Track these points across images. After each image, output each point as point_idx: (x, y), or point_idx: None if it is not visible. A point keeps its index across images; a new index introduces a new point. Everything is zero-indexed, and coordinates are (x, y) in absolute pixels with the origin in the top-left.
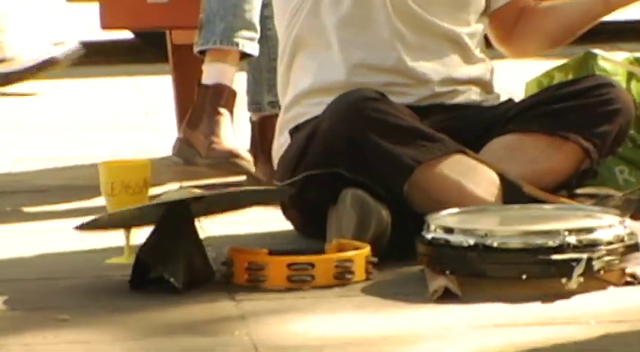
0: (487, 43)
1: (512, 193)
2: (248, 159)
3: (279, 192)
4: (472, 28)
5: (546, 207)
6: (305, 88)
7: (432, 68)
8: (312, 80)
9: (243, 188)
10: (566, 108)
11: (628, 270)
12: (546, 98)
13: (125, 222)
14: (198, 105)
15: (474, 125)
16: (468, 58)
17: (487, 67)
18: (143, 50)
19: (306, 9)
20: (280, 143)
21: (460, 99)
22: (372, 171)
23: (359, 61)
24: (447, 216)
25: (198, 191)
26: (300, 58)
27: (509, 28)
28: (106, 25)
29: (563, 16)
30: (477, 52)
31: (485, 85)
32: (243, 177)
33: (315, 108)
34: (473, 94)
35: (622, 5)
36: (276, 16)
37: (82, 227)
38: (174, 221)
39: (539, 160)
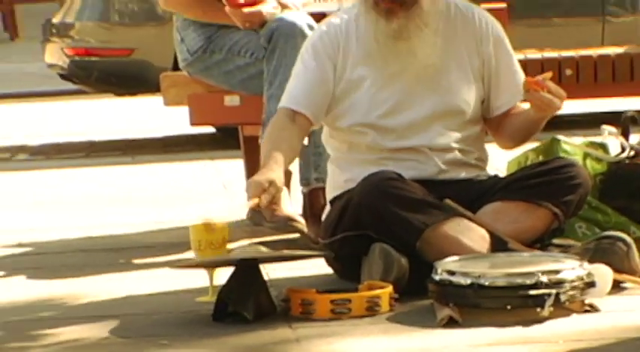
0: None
1: (498, 246)
2: (302, 222)
3: (320, 254)
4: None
5: (524, 254)
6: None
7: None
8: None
9: (295, 252)
10: (540, 183)
11: (587, 301)
12: (525, 175)
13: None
14: None
15: (470, 195)
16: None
17: (484, 162)
18: (222, 140)
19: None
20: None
21: (461, 175)
22: (392, 233)
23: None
24: (450, 262)
25: (264, 249)
26: (346, 164)
27: (495, 128)
28: (194, 123)
29: (518, 121)
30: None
31: (481, 169)
32: (297, 235)
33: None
34: (470, 171)
35: (542, 109)
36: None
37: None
38: (245, 270)
39: (519, 221)
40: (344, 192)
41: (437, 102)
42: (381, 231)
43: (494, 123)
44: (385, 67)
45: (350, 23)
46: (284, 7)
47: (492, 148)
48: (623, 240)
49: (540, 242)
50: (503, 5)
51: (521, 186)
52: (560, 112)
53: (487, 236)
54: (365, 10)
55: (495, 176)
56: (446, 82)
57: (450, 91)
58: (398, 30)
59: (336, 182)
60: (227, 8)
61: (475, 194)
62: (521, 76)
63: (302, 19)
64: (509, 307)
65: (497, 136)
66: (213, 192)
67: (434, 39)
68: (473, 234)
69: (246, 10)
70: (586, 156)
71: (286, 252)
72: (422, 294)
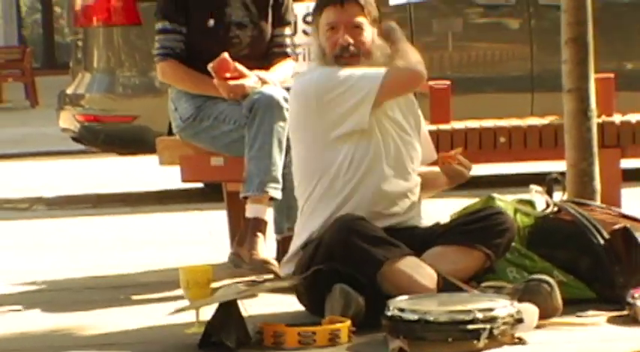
0: None
1: (444, 283)
2: (275, 265)
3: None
4: (415, 182)
5: (464, 294)
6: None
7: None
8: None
9: (265, 286)
10: (474, 229)
11: (516, 335)
12: (460, 222)
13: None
14: (244, 231)
15: (418, 238)
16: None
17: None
18: (209, 195)
19: (321, 191)
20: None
21: (409, 224)
22: (357, 265)
23: None
24: (401, 301)
25: (242, 287)
26: (314, 214)
27: None
28: (185, 179)
29: (426, 178)
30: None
31: (419, 214)
32: (271, 276)
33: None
34: (414, 219)
35: (454, 179)
36: (299, 186)
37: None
38: (227, 307)
39: (458, 262)
40: (314, 239)
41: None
42: (347, 263)
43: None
44: None
45: None
46: (264, 82)
47: (436, 202)
48: (548, 283)
49: (475, 278)
50: (447, 83)
51: (458, 231)
52: (496, 172)
53: (435, 274)
54: (328, 66)
55: (437, 223)
56: (405, 132)
57: (410, 139)
58: None
59: (306, 225)
60: (215, 80)
61: (422, 239)
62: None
63: (279, 93)
64: (450, 339)
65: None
66: (200, 238)
67: None
68: (423, 271)
69: (231, 82)
70: (516, 210)
71: (267, 284)
72: (376, 328)
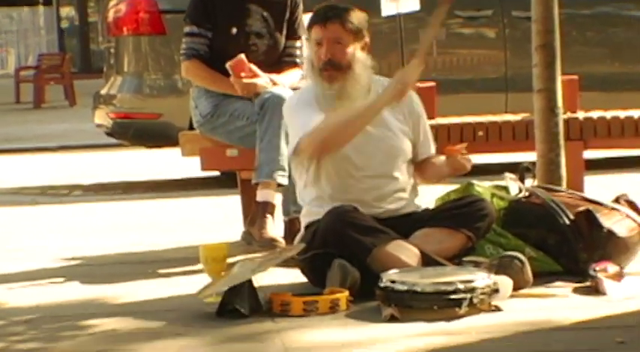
0: None
1: (427, 261)
2: (282, 242)
3: (292, 259)
4: (403, 173)
5: (447, 268)
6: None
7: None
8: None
9: (274, 258)
10: (458, 214)
11: (493, 303)
12: (447, 207)
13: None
14: (255, 213)
15: (407, 223)
16: (404, 190)
17: (415, 194)
18: (225, 182)
19: (310, 182)
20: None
21: (400, 211)
22: (350, 251)
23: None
24: (392, 273)
25: (255, 263)
26: (310, 197)
27: (417, 169)
28: (204, 168)
29: (431, 168)
30: (409, 185)
31: (413, 202)
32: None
33: (317, 216)
34: (406, 208)
35: (457, 170)
36: (296, 175)
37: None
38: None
39: (442, 242)
40: (314, 221)
41: (386, 145)
42: (341, 249)
43: (417, 166)
44: None
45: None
46: (274, 83)
47: (424, 188)
48: (519, 259)
49: (457, 258)
50: (432, 84)
51: (444, 216)
52: (475, 162)
53: (419, 254)
54: (314, 77)
55: (426, 208)
56: (389, 130)
57: (392, 137)
58: (338, 90)
59: (307, 214)
60: (231, 78)
61: (411, 223)
62: (431, 134)
63: (286, 93)
64: (435, 307)
65: (418, 174)
66: (217, 220)
67: (367, 95)
68: (409, 253)
69: (245, 80)
70: (493, 195)
71: (276, 256)
72: (371, 297)
